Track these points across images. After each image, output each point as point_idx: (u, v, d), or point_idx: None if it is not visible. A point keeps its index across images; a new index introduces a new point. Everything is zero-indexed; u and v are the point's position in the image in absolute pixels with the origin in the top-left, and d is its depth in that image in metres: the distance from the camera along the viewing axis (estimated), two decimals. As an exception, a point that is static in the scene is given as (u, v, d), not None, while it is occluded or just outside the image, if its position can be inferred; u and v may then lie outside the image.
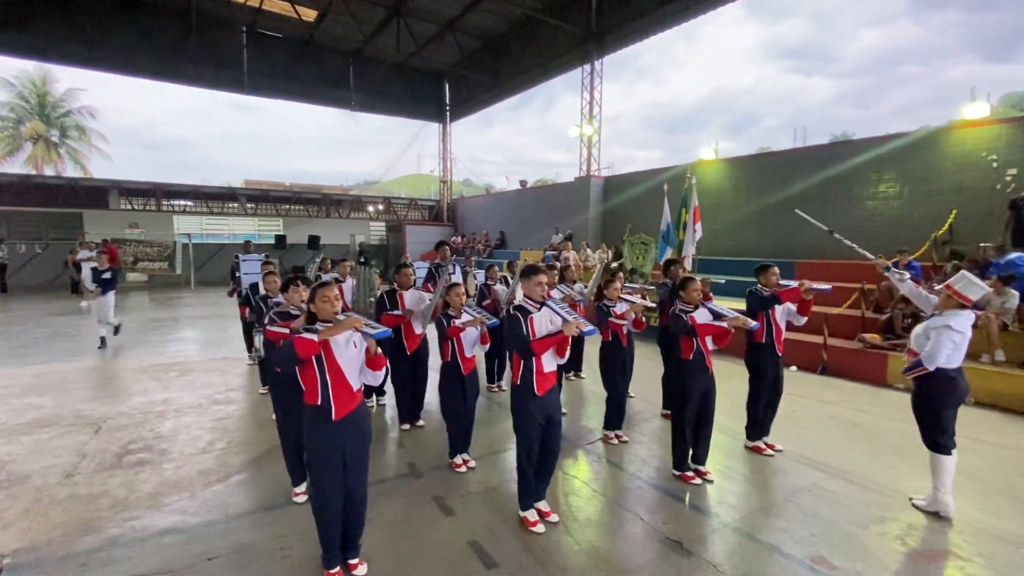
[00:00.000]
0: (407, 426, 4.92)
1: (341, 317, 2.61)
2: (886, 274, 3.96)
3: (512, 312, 3.16)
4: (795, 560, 2.87)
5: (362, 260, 8.91)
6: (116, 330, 8.64)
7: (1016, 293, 6.26)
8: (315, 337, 2.46)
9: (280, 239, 20.50)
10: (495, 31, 18.14)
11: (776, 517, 3.35)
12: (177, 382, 6.34)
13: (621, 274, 6.00)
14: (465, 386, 3.97)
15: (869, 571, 2.77)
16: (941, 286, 3.46)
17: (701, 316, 3.77)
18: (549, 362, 3.16)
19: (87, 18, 15.97)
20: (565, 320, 3.05)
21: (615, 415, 4.62)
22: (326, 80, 20.33)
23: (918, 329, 3.44)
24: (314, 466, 2.63)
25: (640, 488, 3.75)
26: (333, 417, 2.57)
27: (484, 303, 5.88)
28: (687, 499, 3.56)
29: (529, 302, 3.18)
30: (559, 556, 2.89)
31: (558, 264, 11.70)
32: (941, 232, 7.96)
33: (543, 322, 3.11)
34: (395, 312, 4.61)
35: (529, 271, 3.25)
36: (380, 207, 24.56)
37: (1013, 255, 6.55)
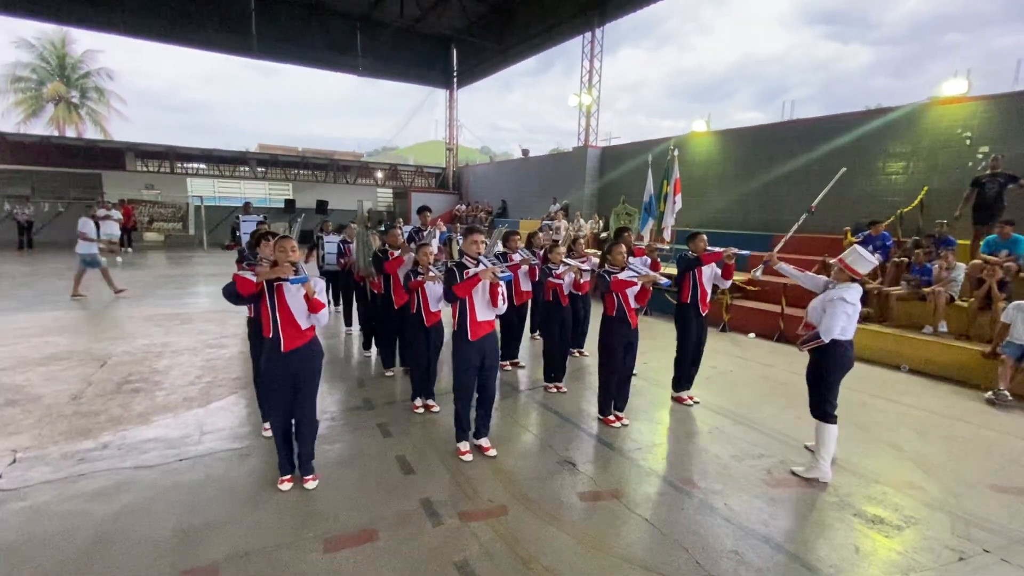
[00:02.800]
0: (391, 372, 5.47)
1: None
2: (774, 266, 4.27)
3: (450, 267, 3.63)
4: (666, 480, 3.39)
5: (382, 228, 9.18)
6: None
7: (963, 266, 6.53)
8: (253, 277, 2.98)
9: (289, 203, 21.21)
10: (500, -5, 18.03)
11: (668, 451, 3.87)
12: (178, 329, 7.01)
13: (581, 242, 6.39)
14: (428, 337, 4.36)
15: (726, 491, 3.27)
16: (835, 260, 3.74)
17: (623, 276, 4.19)
18: (483, 311, 3.59)
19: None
20: (486, 267, 3.46)
21: (552, 367, 5.11)
22: (333, 44, 20.46)
23: (814, 303, 3.61)
24: (266, 388, 3.19)
25: (560, 425, 4.28)
26: (283, 349, 3.10)
27: None
28: (596, 433, 4.08)
29: (468, 259, 3.63)
30: (467, 467, 3.45)
31: (550, 232, 12.05)
32: (909, 208, 8.14)
33: None
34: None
35: (467, 231, 3.71)
36: (388, 173, 24.95)
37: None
